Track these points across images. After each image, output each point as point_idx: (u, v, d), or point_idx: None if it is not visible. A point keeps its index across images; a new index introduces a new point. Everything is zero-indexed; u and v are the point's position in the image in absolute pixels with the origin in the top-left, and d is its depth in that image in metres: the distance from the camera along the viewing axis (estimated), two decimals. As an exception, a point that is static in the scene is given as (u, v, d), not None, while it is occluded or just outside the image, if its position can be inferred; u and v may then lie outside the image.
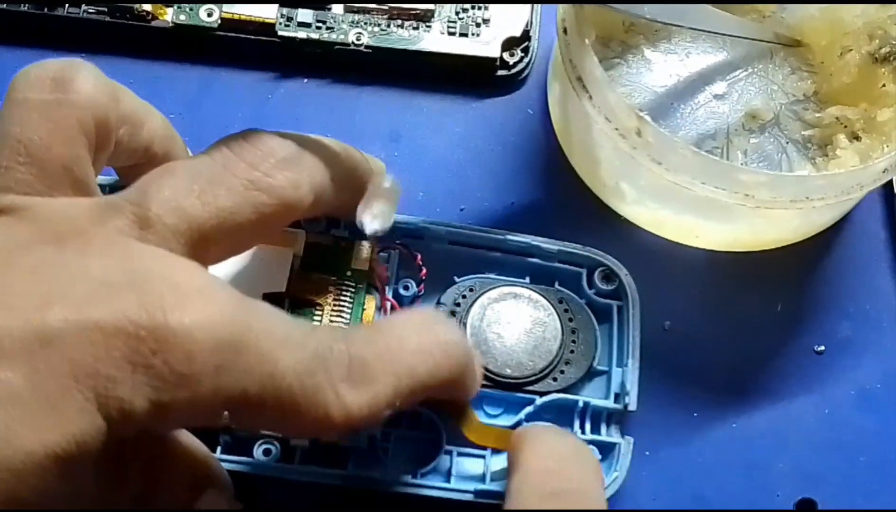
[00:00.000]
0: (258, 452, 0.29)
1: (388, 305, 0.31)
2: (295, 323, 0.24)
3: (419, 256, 0.31)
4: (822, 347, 0.36)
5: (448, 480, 0.29)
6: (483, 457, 0.30)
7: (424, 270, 0.31)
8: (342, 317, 0.30)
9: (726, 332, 0.35)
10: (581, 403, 0.30)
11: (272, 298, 0.30)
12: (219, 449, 0.29)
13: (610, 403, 0.31)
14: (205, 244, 0.25)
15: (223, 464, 0.27)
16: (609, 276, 0.32)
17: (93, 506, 0.22)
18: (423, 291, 0.31)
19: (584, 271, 0.32)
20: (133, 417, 0.21)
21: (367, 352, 0.24)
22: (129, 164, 0.28)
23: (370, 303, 0.31)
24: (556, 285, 0.32)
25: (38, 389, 0.20)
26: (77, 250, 0.23)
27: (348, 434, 0.24)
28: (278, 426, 0.24)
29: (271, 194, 0.26)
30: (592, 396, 0.31)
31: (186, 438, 0.26)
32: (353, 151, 0.30)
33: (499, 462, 0.30)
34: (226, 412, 0.23)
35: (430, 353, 0.25)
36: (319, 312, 0.30)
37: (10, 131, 0.25)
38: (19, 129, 0.25)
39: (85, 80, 0.26)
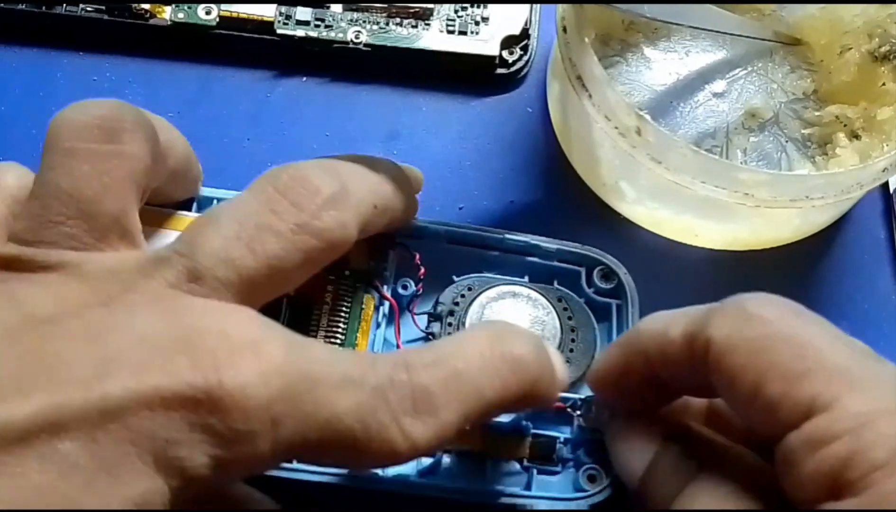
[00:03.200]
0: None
1: (388, 304, 0.30)
2: (352, 358, 0.24)
3: (418, 256, 0.31)
4: (822, 347, 0.35)
5: (449, 481, 0.29)
6: (483, 457, 0.30)
7: (423, 270, 0.31)
8: (341, 316, 0.30)
9: (726, 331, 0.35)
10: (580, 402, 0.30)
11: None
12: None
13: (609, 403, 0.31)
14: (254, 291, 0.24)
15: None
16: (608, 274, 0.32)
17: None
18: (421, 291, 0.31)
19: (583, 270, 0.32)
20: (194, 477, 0.21)
21: (431, 379, 0.23)
22: None
23: (369, 302, 0.30)
24: (555, 284, 0.32)
25: (98, 457, 0.20)
26: (127, 309, 0.23)
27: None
28: (343, 463, 0.24)
29: (319, 238, 0.25)
30: (592, 394, 0.31)
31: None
32: (393, 169, 0.29)
33: (497, 465, 0.30)
34: None
35: (498, 372, 0.24)
36: (318, 312, 0.30)
37: (59, 184, 0.24)
38: (69, 181, 0.24)
39: (136, 129, 0.25)
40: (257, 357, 0.22)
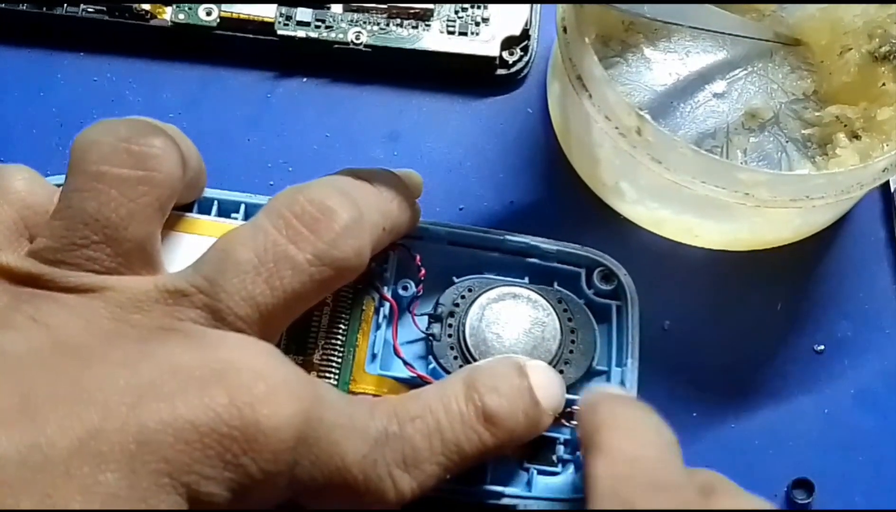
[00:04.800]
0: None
1: (388, 305, 0.31)
2: (356, 405, 0.25)
3: (418, 257, 0.31)
4: (822, 347, 0.36)
5: (449, 481, 0.29)
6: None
7: (423, 271, 0.31)
8: (341, 317, 0.30)
9: (726, 332, 0.35)
10: (574, 412, 0.30)
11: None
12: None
13: (609, 404, 0.31)
14: (273, 322, 0.25)
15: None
16: (608, 276, 0.32)
17: None
18: (422, 292, 0.31)
19: (582, 271, 0.32)
20: (216, 508, 0.22)
21: (417, 432, 0.25)
22: None
23: (369, 303, 0.31)
24: (555, 285, 0.32)
25: (136, 487, 0.21)
26: (160, 342, 0.23)
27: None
28: (334, 505, 0.24)
29: (335, 267, 0.25)
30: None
31: None
32: (398, 184, 0.29)
33: (497, 466, 0.30)
34: None
35: (475, 429, 0.25)
36: (319, 313, 0.30)
37: (85, 207, 0.24)
38: (96, 205, 0.24)
39: (165, 154, 0.25)
40: (289, 399, 0.23)
